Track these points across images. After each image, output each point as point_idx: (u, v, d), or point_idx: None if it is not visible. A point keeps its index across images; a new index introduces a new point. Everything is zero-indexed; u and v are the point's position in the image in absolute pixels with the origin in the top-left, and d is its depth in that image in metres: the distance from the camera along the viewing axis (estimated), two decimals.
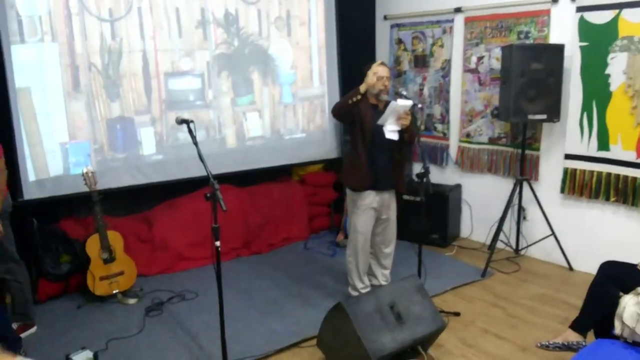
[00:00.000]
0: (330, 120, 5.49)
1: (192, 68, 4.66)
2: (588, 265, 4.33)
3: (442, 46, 5.13)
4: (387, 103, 3.50)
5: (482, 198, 5.05)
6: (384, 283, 3.87)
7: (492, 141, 4.86)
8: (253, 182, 5.29)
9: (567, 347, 2.71)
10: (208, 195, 2.67)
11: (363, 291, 3.76)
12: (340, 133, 5.46)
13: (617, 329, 2.40)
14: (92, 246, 3.88)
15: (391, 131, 3.36)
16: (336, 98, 5.46)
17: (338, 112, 3.47)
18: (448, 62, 5.11)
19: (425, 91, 5.31)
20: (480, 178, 5.05)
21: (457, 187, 5.15)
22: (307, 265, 4.63)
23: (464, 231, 5.26)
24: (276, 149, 5.19)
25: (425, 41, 5.28)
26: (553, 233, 4.40)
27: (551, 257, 4.57)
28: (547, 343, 2.76)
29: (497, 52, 4.65)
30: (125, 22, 4.27)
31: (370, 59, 5.88)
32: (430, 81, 5.29)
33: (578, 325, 2.74)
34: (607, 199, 4.10)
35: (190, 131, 2.80)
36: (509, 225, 4.69)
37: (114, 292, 3.94)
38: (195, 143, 2.79)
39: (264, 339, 3.38)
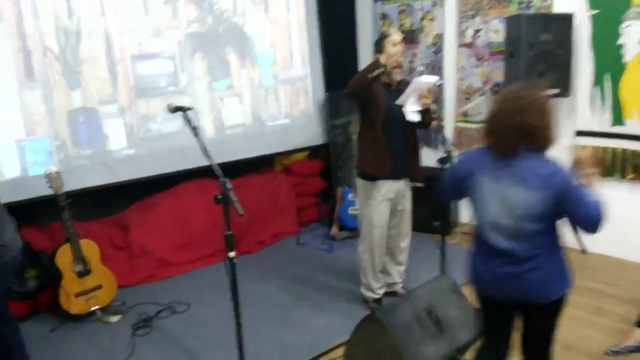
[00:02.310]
0: (314, 103, 5.08)
1: (161, 50, 4.12)
2: (602, 247, 4.12)
3: (432, 20, 4.78)
4: (400, 81, 3.13)
5: None
6: (398, 281, 3.54)
7: None
8: (234, 174, 4.79)
9: None
10: (219, 197, 2.21)
11: (379, 291, 3.41)
12: (326, 117, 5.05)
13: None
14: (63, 258, 3.34)
15: (412, 112, 2.98)
16: (319, 79, 5.06)
17: (354, 89, 3.01)
18: (440, 37, 4.77)
19: (416, 69, 4.95)
20: None
21: None
22: (305, 264, 4.23)
23: (464, 216, 4.98)
24: (258, 137, 4.74)
25: (413, 15, 4.91)
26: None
27: (562, 240, 4.34)
28: (617, 349, 2.49)
29: (496, 24, 4.34)
30: None
31: (352, 36, 5.50)
32: (421, 58, 4.94)
33: None
34: (623, 176, 3.90)
35: (188, 121, 2.33)
36: None
37: (93, 309, 3.42)
38: (197, 135, 2.33)
39: (277, 354, 2.97)
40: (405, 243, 3.45)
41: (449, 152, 3.02)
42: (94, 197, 4.08)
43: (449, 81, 4.79)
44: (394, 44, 2.96)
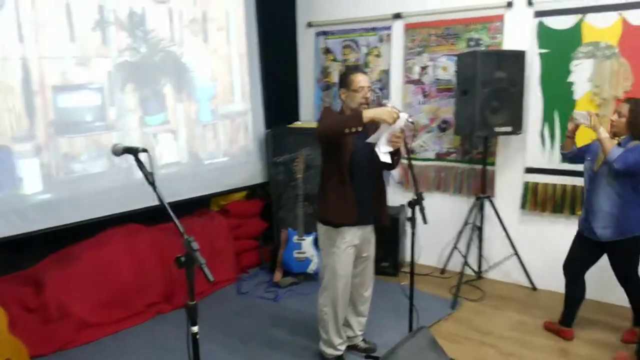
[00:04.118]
0: (254, 139, 4.76)
1: (88, 80, 3.65)
2: (551, 283, 4.13)
3: (378, 56, 4.67)
4: None
5: (429, 219, 4.62)
6: (359, 333, 3.24)
7: (439, 157, 4.48)
8: (167, 217, 4.32)
9: None
10: (183, 259, 1.82)
11: (341, 347, 3.09)
12: (267, 154, 4.74)
13: None
14: None
15: (384, 152, 2.75)
16: (260, 114, 4.77)
17: (326, 137, 2.73)
18: (386, 73, 4.65)
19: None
20: (427, 198, 4.61)
21: (401, 209, 4.69)
22: (250, 317, 3.82)
23: (410, 255, 4.79)
24: (195, 177, 4.33)
25: (358, 50, 4.78)
26: (516, 252, 4.11)
27: (511, 277, 4.29)
28: None
29: (444, 61, 4.30)
30: None
31: (293, 71, 5.29)
32: None
33: None
34: (573, 212, 3.90)
35: (140, 166, 1.93)
36: (464, 246, 4.31)
37: None
38: (152, 182, 1.92)
39: None
40: (368, 292, 3.18)
41: (419, 195, 2.83)
42: (2, 249, 3.48)
43: None
44: (361, 88, 2.76)
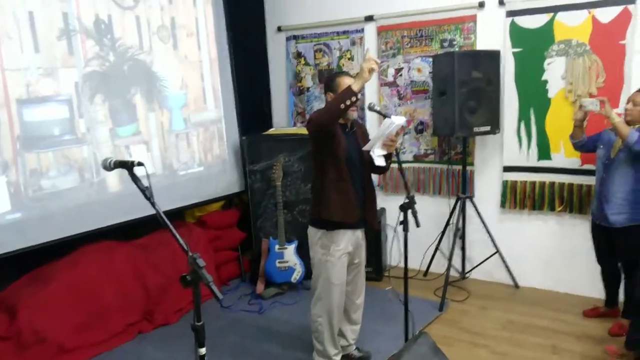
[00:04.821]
0: (229, 147, 4.64)
1: (55, 92, 3.47)
2: (533, 280, 4.18)
3: (351, 59, 4.64)
4: (353, 122, 2.87)
5: (411, 221, 4.62)
6: (352, 342, 3.18)
7: (418, 158, 4.48)
8: (142, 232, 4.18)
9: None
10: (189, 278, 1.73)
11: (336, 358, 3.01)
12: (243, 162, 4.63)
13: None
14: None
15: (379, 156, 2.71)
16: (234, 121, 4.66)
17: (323, 123, 2.59)
18: None
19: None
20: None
21: (382, 212, 4.67)
22: (236, 331, 3.71)
23: (392, 259, 4.79)
24: (170, 189, 4.18)
25: (330, 54, 4.73)
26: (498, 251, 4.15)
27: (493, 276, 4.32)
28: None
29: (418, 63, 4.30)
30: None
31: (265, 76, 5.20)
32: None
33: None
34: (552, 209, 3.96)
35: (135, 180, 1.81)
36: (447, 247, 4.33)
37: None
38: (150, 197, 1.81)
39: None
40: (361, 299, 3.12)
41: (411, 198, 2.80)
42: None
43: (370, 122, 4.64)
44: (348, 83, 2.70)
